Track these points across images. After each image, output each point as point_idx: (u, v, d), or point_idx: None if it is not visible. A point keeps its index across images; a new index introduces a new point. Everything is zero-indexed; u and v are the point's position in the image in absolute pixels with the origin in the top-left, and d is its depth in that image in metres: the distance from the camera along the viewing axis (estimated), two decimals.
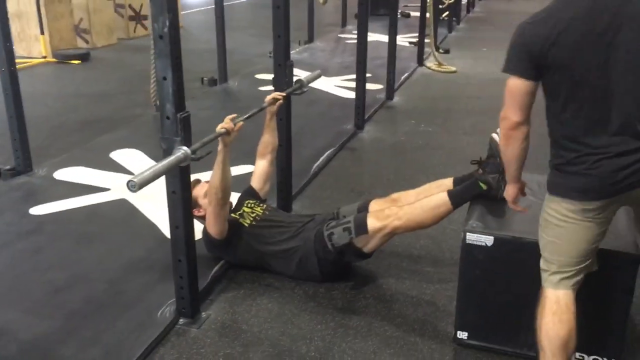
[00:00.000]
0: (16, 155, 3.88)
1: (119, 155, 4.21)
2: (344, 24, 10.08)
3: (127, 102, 5.77)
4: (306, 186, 3.78)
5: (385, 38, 6.01)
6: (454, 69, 7.15)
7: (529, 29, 1.74)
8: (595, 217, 1.79)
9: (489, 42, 9.11)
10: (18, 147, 3.85)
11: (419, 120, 5.21)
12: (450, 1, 9.31)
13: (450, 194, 2.48)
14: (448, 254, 2.95)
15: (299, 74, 3.19)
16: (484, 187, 2.43)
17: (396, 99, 5.89)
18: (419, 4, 7.27)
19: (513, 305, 2.22)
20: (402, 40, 7.97)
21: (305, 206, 3.48)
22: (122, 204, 3.47)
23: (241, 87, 6.20)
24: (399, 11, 9.55)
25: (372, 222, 2.51)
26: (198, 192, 2.82)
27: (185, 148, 2.12)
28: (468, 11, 12.31)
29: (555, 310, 1.87)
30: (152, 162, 3.95)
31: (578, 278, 1.88)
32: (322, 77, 3.49)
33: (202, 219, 2.74)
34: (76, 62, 7.49)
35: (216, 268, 2.74)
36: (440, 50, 7.83)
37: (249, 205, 2.88)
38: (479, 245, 2.17)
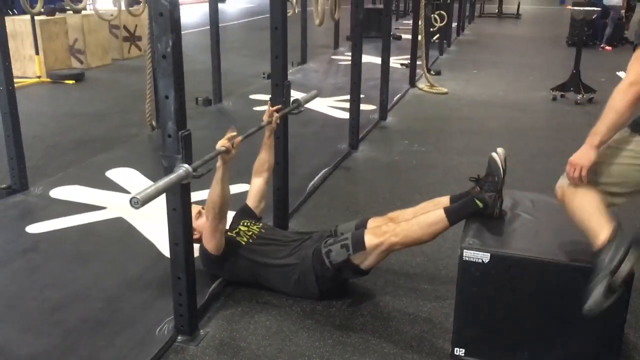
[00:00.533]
0: (12, 173, 3.88)
1: (115, 174, 4.22)
2: (336, 45, 10.25)
3: (122, 122, 5.81)
4: (302, 205, 3.81)
5: (376, 60, 6.09)
6: (445, 90, 7.25)
7: None
8: None
9: (479, 64, 9.27)
10: (14, 165, 3.86)
11: (412, 140, 5.28)
12: (441, 24, 9.47)
13: (447, 211, 2.51)
14: (444, 271, 2.98)
15: (294, 94, 3.24)
16: (481, 205, 2.46)
17: (389, 119, 5.96)
18: (410, 27, 7.40)
19: (510, 321, 2.24)
20: (394, 62, 8.06)
21: (301, 224, 3.50)
22: (119, 222, 3.48)
23: (236, 107, 6.25)
24: (391, 33, 9.68)
25: (369, 239, 2.54)
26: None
27: (186, 166, 2.15)
28: (458, 34, 12.52)
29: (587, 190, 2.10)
30: (147, 181, 3.98)
31: (613, 200, 2.13)
32: (316, 98, 3.54)
33: (196, 241, 2.71)
34: (70, 82, 7.53)
35: (214, 285, 2.75)
36: (432, 72, 7.94)
37: (245, 224, 2.89)
38: (475, 262, 2.20)
